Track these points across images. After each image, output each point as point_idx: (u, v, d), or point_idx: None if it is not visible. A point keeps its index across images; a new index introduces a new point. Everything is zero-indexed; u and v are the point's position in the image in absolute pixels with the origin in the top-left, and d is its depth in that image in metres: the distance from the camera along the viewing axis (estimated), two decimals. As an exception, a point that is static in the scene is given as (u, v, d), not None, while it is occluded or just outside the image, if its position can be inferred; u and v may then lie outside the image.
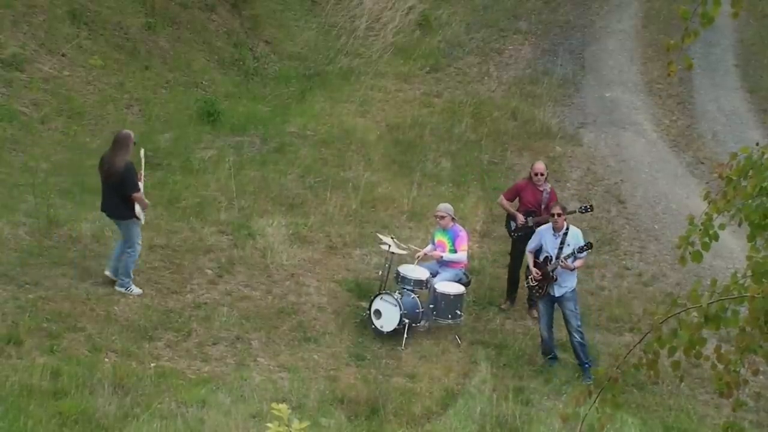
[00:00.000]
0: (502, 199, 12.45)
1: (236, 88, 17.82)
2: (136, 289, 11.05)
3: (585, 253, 11.05)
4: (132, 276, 11.05)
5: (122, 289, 10.99)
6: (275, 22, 20.40)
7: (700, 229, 5.24)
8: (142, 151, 11.33)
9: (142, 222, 11.06)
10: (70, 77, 15.91)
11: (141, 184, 10.99)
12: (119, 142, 10.93)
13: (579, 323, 11.01)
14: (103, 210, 11.23)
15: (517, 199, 12.28)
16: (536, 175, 12.11)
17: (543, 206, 12.00)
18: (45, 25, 16.43)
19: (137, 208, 10.86)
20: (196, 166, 14.38)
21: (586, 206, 12.26)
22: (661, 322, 4.94)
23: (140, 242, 11.10)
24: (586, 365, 10.88)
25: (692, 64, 5.10)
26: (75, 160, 13.99)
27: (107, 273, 11.10)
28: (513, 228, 12.20)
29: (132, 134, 11.08)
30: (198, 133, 15.45)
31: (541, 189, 12.13)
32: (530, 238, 11.84)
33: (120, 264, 11.02)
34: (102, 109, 15.65)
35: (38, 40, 16.13)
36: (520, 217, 12.07)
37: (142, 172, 11.18)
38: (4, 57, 15.31)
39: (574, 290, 11.09)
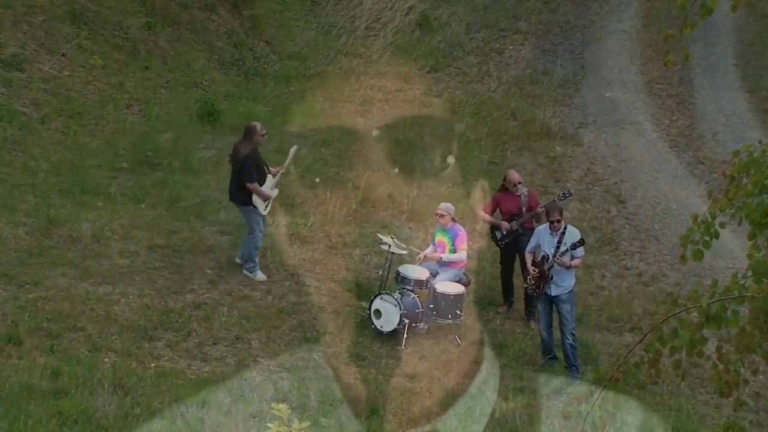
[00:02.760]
0: (482, 214, 12.47)
1: (236, 88, 17.82)
2: (260, 275, 11.61)
3: (580, 250, 11.00)
4: (257, 261, 11.61)
5: (248, 274, 11.60)
6: (275, 22, 20.41)
7: (702, 227, 5.23)
8: (294, 148, 11.96)
9: (261, 212, 11.53)
10: (70, 77, 15.91)
11: (275, 178, 11.59)
12: (246, 133, 11.60)
13: (573, 326, 10.99)
14: (228, 194, 11.82)
15: (498, 210, 12.29)
16: (515, 185, 12.13)
17: (524, 209, 12.04)
18: (45, 25, 16.43)
19: (255, 198, 11.40)
20: (196, 166, 14.37)
21: (564, 193, 12.22)
22: (662, 322, 4.94)
23: (262, 230, 11.59)
24: (574, 368, 10.90)
25: (690, 55, 5.10)
26: (75, 160, 13.99)
27: (238, 260, 11.72)
28: (499, 237, 12.21)
29: (258, 126, 11.65)
30: (198, 133, 15.45)
31: (518, 194, 12.15)
32: (518, 241, 11.89)
33: (244, 251, 11.64)
34: (102, 109, 15.65)
35: (38, 40, 16.13)
36: (505, 225, 12.08)
37: (284, 165, 11.82)
38: (4, 57, 15.31)
39: (571, 291, 11.05)
